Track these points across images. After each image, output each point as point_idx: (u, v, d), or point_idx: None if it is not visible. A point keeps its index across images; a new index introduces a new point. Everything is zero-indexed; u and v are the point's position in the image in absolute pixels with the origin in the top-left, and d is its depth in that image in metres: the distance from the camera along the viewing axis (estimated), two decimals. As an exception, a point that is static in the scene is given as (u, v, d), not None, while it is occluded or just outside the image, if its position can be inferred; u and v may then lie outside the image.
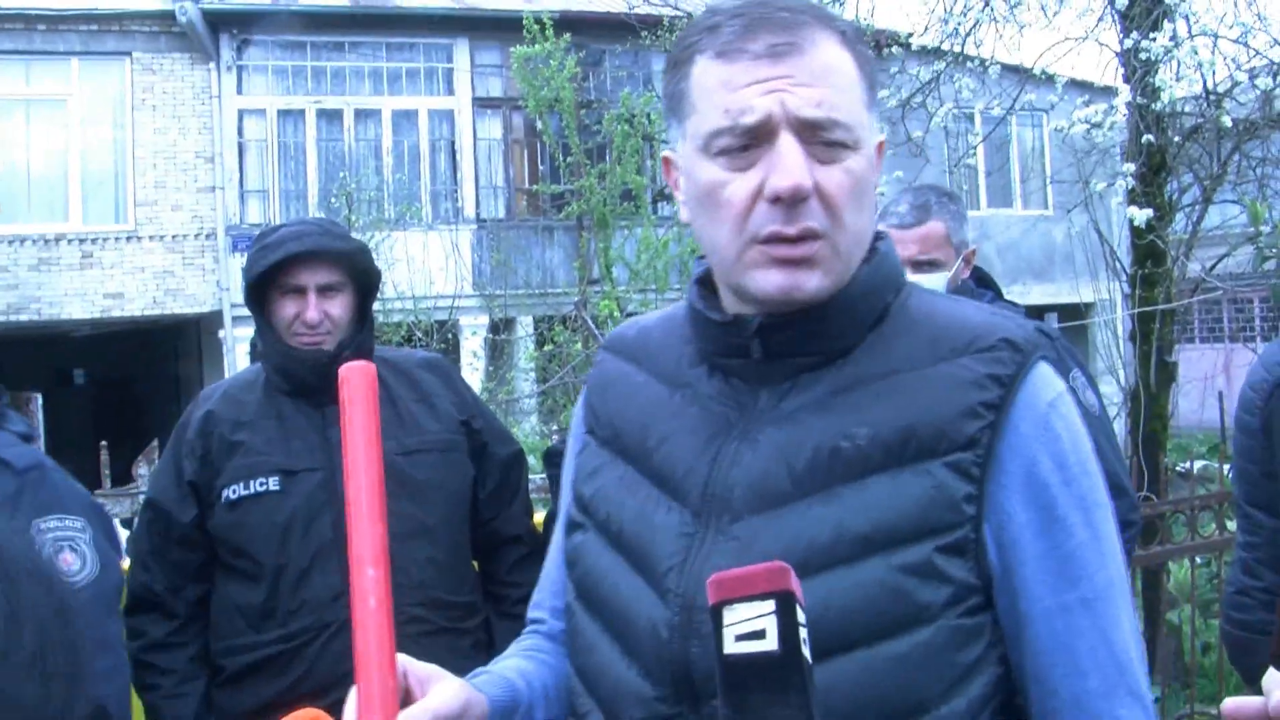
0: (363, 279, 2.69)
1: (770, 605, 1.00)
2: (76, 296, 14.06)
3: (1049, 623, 1.23)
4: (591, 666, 1.34)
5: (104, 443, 9.24)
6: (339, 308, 2.62)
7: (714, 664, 1.10)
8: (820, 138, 1.23)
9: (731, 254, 1.26)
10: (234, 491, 2.55)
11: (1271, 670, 0.74)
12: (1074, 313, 12.36)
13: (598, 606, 1.34)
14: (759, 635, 1.00)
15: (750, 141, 1.23)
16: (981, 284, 3.16)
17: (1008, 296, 3.23)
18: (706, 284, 1.38)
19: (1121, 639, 1.25)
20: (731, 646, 1.00)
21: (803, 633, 1.00)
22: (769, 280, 1.25)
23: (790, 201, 1.21)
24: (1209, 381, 11.62)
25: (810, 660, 1.00)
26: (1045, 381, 1.28)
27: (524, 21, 10.70)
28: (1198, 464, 5.13)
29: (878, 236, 1.35)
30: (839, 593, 1.18)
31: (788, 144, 1.22)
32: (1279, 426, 2.54)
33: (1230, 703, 1.12)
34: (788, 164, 1.21)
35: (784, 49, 1.23)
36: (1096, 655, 1.23)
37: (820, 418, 1.27)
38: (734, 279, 1.29)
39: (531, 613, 1.57)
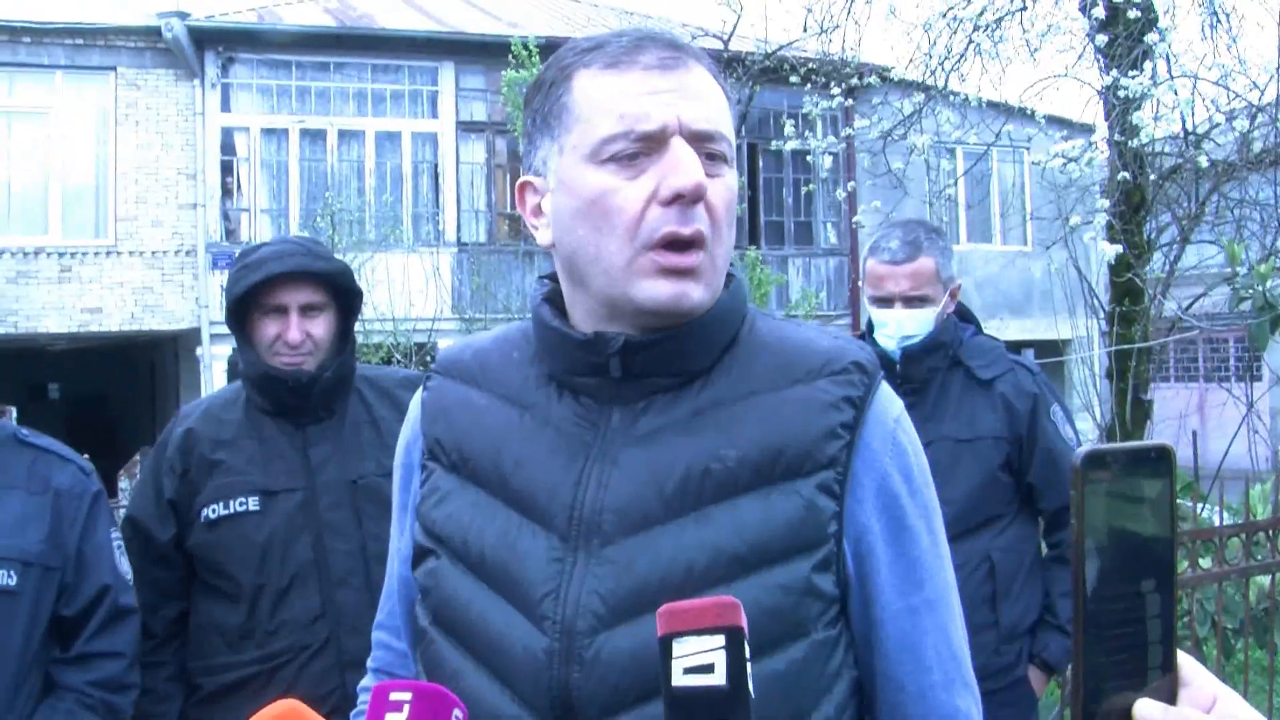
0: (345, 299, 2.68)
1: (720, 640, 1.00)
2: (54, 310, 13.94)
3: (898, 624, 1.30)
4: (458, 694, 1.28)
5: (86, 456, 9.16)
6: (321, 328, 2.62)
7: (595, 689, 1.17)
8: (706, 149, 1.27)
9: (620, 262, 1.26)
10: (213, 511, 2.54)
11: None
12: (1051, 349, 12.41)
13: (461, 634, 1.31)
14: (707, 669, 1.00)
15: (641, 149, 1.25)
16: (962, 318, 3.17)
17: (986, 331, 3.25)
18: (553, 304, 1.40)
19: (957, 635, 1.35)
20: (680, 679, 1.00)
21: (749, 668, 1.01)
22: (658, 289, 1.26)
23: (690, 201, 1.24)
24: (1183, 421, 11.66)
25: (753, 695, 1.00)
26: (889, 400, 1.34)
27: (512, 47, 10.67)
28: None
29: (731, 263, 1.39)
30: None
31: (683, 148, 1.24)
32: None
33: None
34: (686, 165, 1.23)
35: (673, 62, 1.27)
36: (939, 652, 1.32)
37: (685, 439, 1.28)
38: (619, 289, 1.28)
39: (376, 634, 1.57)
